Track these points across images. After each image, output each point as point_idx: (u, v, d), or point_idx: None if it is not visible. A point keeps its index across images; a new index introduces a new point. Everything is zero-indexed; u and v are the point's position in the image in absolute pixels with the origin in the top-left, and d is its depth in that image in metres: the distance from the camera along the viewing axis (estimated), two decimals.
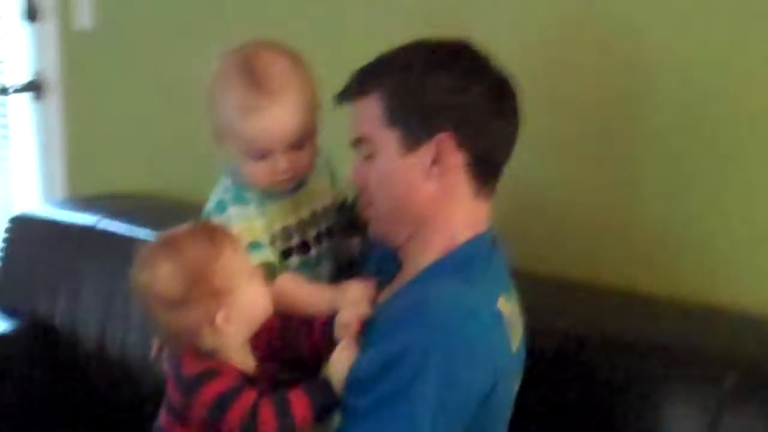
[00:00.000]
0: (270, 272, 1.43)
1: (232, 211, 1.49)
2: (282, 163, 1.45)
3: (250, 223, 1.49)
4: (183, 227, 1.38)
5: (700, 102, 1.51)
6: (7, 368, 2.16)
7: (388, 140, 1.36)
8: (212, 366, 1.33)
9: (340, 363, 1.33)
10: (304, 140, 1.46)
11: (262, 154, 1.44)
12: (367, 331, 1.36)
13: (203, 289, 1.32)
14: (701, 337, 1.51)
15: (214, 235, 1.38)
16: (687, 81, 1.53)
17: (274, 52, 1.46)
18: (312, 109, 1.46)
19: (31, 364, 2.19)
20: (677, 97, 1.53)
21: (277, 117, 1.42)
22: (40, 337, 2.20)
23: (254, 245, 1.45)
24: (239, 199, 1.50)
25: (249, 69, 1.44)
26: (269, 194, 1.51)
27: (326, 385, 1.32)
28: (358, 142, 1.39)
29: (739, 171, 1.49)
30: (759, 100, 1.43)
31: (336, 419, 1.34)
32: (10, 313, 2.25)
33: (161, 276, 1.32)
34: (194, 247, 1.34)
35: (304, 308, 1.44)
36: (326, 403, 1.32)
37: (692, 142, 1.52)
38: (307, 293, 1.45)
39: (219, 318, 1.32)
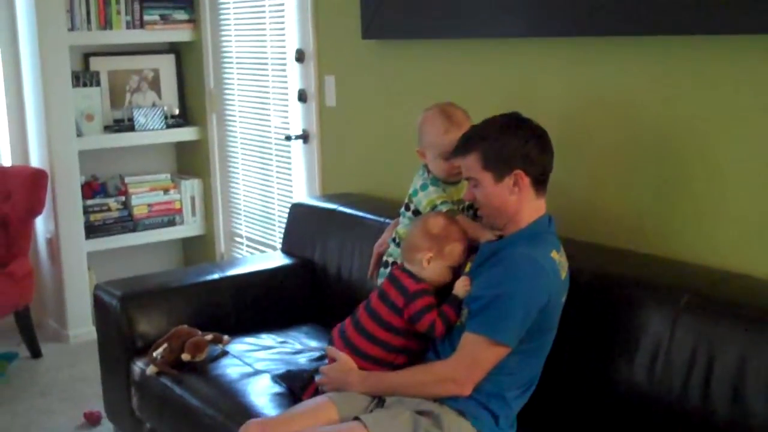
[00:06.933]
0: (452, 213, 1.90)
1: (431, 188, 1.97)
2: (457, 162, 1.85)
3: (440, 194, 1.95)
4: (438, 212, 1.88)
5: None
6: (287, 285, 2.77)
7: (486, 177, 1.73)
8: (425, 287, 1.78)
9: (463, 287, 1.77)
10: None
11: (446, 157, 1.89)
12: (481, 269, 1.75)
13: (438, 240, 1.80)
14: None
15: (447, 218, 1.86)
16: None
17: (455, 106, 1.96)
18: None
19: (298, 283, 2.78)
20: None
21: (457, 135, 1.85)
22: (305, 268, 2.79)
23: (443, 203, 1.94)
24: (434, 183, 1.98)
25: (447, 114, 1.92)
26: (445, 183, 1.96)
27: (456, 298, 1.77)
28: (469, 178, 1.76)
29: None
30: None
31: (462, 316, 1.76)
32: (289, 255, 2.89)
33: (429, 223, 1.84)
34: (438, 218, 1.84)
35: (469, 232, 1.85)
36: (458, 307, 1.75)
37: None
38: (470, 223, 1.89)
39: (430, 257, 1.81)
